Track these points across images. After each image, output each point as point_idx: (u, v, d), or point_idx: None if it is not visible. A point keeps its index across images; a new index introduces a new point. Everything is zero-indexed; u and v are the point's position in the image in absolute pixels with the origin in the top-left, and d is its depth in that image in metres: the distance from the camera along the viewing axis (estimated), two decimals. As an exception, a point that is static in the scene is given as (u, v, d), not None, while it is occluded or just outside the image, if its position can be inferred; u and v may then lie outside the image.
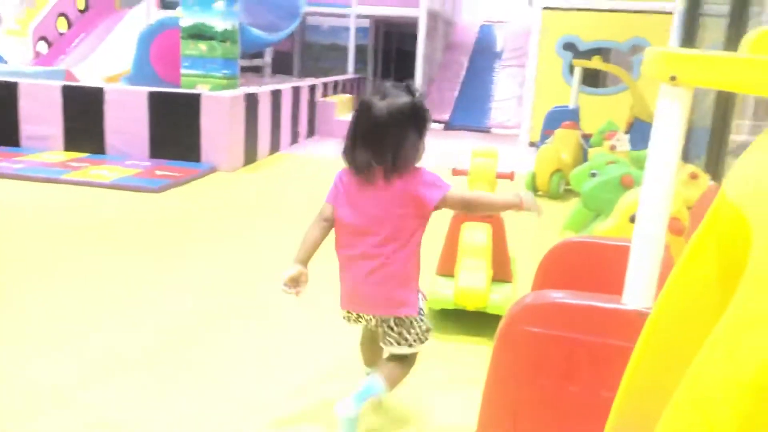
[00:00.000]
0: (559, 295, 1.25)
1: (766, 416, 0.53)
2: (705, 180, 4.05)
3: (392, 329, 1.85)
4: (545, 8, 8.17)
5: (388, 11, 11.17)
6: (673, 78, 1.10)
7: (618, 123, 6.07)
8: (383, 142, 1.73)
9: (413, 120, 1.78)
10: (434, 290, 2.70)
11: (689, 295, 0.95)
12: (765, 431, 0.53)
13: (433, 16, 10.92)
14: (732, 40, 5.02)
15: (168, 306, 2.92)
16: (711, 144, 4.83)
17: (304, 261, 1.86)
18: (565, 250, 1.62)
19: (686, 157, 5.62)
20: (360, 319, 1.92)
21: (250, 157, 6.37)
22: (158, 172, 5.45)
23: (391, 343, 1.86)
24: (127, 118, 5.99)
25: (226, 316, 2.86)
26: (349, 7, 11.12)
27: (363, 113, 1.76)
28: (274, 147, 7.04)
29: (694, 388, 0.66)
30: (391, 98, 1.75)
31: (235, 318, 2.84)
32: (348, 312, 1.92)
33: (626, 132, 6.00)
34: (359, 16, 11.38)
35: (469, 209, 2.01)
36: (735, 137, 5.31)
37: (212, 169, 5.82)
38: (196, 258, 3.60)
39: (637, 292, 1.18)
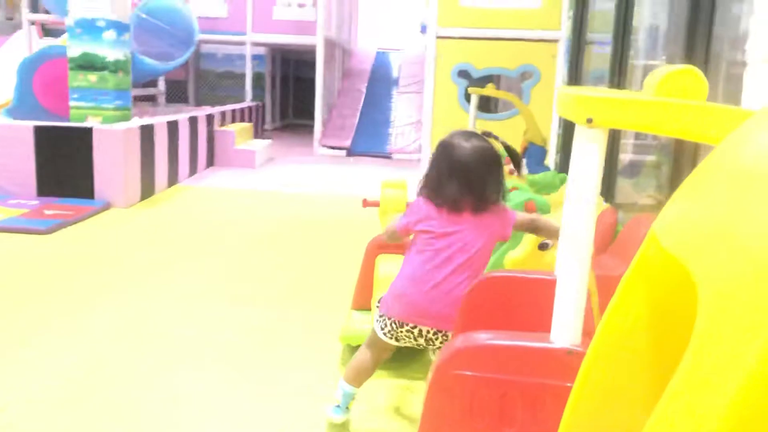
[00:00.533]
0: (487, 337, 1.25)
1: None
2: (599, 202, 4.24)
3: (423, 341, 1.96)
4: (439, 37, 8.40)
5: (284, 39, 11.16)
6: (589, 120, 1.13)
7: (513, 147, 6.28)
8: (487, 179, 1.95)
9: (496, 160, 1.99)
10: (350, 326, 2.67)
11: (620, 336, 0.97)
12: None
13: (330, 44, 10.99)
14: (615, 68, 5.33)
15: (61, 357, 2.72)
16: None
17: None
18: (488, 286, 1.63)
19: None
20: (409, 334, 1.94)
21: (147, 191, 6.13)
22: (47, 212, 5.12)
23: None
24: (10, 155, 5.61)
25: (127, 366, 2.70)
26: (244, 35, 11.02)
27: (451, 154, 1.96)
28: (172, 179, 6.81)
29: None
30: (477, 141, 1.97)
31: (138, 367, 2.69)
32: (399, 324, 1.95)
33: (522, 156, 6.22)
34: (255, 44, 11.29)
35: (536, 231, 2.15)
36: (621, 156, 5.61)
37: (106, 206, 5.54)
38: (92, 304, 3.38)
39: (564, 330, 1.19)
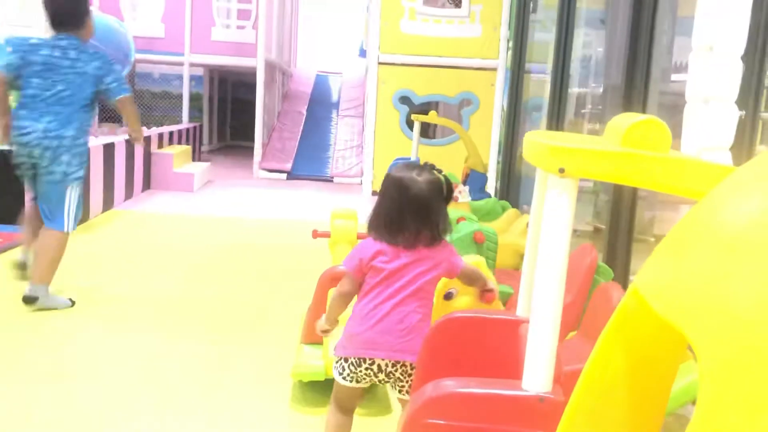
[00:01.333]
0: (459, 384, 1.24)
1: None
2: (519, 214, 4.32)
3: (408, 375, 1.91)
4: (381, 63, 8.46)
5: (223, 60, 11.04)
6: (561, 170, 1.15)
7: (454, 174, 6.37)
8: (434, 216, 1.94)
9: (446, 194, 1.99)
10: (302, 361, 2.61)
11: (600, 389, 0.98)
12: None
13: (270, 66, 10.93)
14: (554, 97, 5.48)
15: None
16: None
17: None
18: (450, 326, 1.62)
19: (518, 204, 6.00)
20: (368, 371, 1.92)
21: (82, 216, 5.89)
22: (-27, 238, 4.87)
23: (402, 390, 1.95)
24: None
25: (57, 412, 2.56)
26: (182, 55, 10.84)
27: (407, 190, 1.93)
28: (108, 204, 6.59)
29: None
30: (428, 175, 1.96)
31: (68, 413, 2.55)
32: (357, 364, 1.92)
33: (463, 182, 6.30)
34: (193, 65, 11.13)
35: (470, 282, 2.14)
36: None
37: (38, 232, 5.30)
38: (20, 341, 3.21)
39: (535, 377, 1.20)
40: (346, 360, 1.94)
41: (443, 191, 1.98)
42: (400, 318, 1.90)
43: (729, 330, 0.65)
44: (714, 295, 0.70)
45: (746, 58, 2.44)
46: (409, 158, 6.49)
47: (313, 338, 2.74)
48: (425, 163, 2.06)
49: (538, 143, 1.20)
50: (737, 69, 2.42)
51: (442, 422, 1.20)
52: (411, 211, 1.93)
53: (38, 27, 5.70)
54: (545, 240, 1.18)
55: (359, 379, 1.93)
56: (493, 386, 1.22)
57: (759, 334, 0.60)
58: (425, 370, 1.58)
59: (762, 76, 2.65)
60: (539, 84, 6.75)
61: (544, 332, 1.18)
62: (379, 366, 1.91)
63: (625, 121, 1.26)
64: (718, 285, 0.71)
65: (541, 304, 1.18)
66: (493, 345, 1.56)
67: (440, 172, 2.04)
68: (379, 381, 1.94)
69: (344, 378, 1.94)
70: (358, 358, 1.91)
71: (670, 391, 0.97)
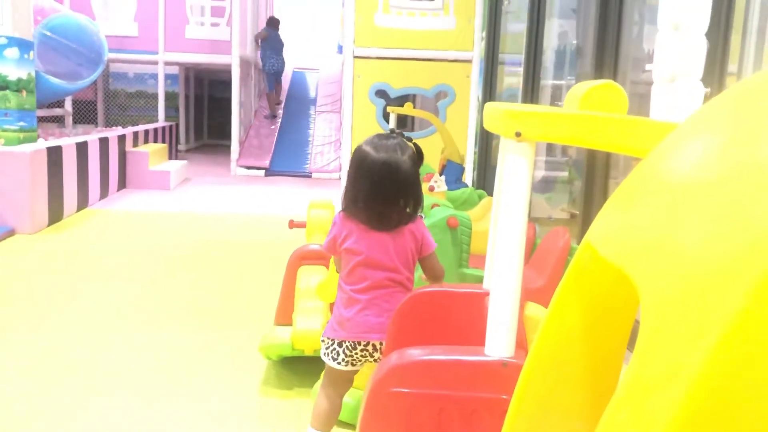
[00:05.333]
0: (422, 353, 1.24)
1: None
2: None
3: (378, 355, 1.89)
4: (356, 57, 8.45)
5: (198, 58, 10.96)
6: (518, 134, 1.15)
7: (431, 164, 6.37)
8: (408, 191, 1.88)
9: (415, 171, 1.92)
10: (270, 336, 2.60)
11: (557, 346, 0.98)
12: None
13: (245, 63, 10.87)
14: (527, 87, 5.51)
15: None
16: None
17: None
18: (418, 301, 1.62)
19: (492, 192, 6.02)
20: (364, 352, 1.88)
21: (55, 216, 5.83)
22: (-56, 239, 4.79)
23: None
24: None
25: (38, 403, 2.53)
26: (156, 54, 10.75)
27: (389, 169, 1.85)
28: (82, 203, 6.52)
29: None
30: (403, 150, 1.88)
31: (50, 404, 2.53)
32: (352, 347, 1.89)
33: (440, 173, 6.31)
34: (168, 63, 11.04)
35: (432, 272, 2.02)
36: (535, 173, 5.79)
37: (10, 233, 5.23)
38: (-1, 335, 3.17)
39: (497, 343, 1.20)
40: (340, 344, 1.89)
41: (412, 170, 1.90)
42: (387, 298, 1.86)
43: (672, 266, 0.66)
44: (658, 236, 0.70)
45: (710, 35, 2.46)
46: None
47: (284, 320, 2.73)
48: (392, 131, 2.02)
49: (495, 109, 1.20)
50: (702, 46, 2.45)
51: (406, 390, 1.20)
52: (383, 185, 1.85)
53: (6, 24, 5.61)
54: (503, 205, 1.18)
55: (355, 361, 1.89)
56: (456, 353, 1.22)
57: (699, 267, 0.61)
58: (395, 343, 1.58)
59: (726, 53, 2.68)
60: (515, 75, 6.78)
61: (505, 297, 1.18)
62: (374, 345, 1.87)
63: (583, 86, 1.27)
64: (662, 226, 0.71)
65: (501, 270, 1.18)
66: (461, 318, 1.57)
67: (410, 140, 1.95)
68: (374, 360, 1.89)
69: (339, 363, 1.89)
70: (353, 342, 1.88)
71: (626, 345, 0.98)
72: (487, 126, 1.28)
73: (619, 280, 0.82)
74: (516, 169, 1.16)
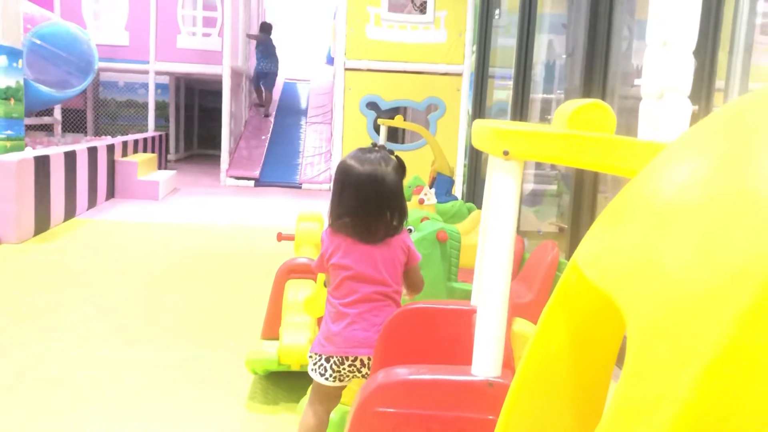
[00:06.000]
0: (408, 372, 1.22)
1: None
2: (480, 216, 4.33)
3: (366, 370, 1.88)
4: (347, 69, 8.47)
5: (189, 68, 10.94)
6: (506, 153, 1.14)
7: (421, 177, 6.38)
8: (394, 203, 1.88)
9: (400, 185, 1.94)
10: (255, 352, 2.58)
11: (544, 367, 0.97)
12: None
13: (236, 74, 10.86)
14: (517, 101, 5.53)
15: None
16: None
17: None
18: (406, 317, 1.61)
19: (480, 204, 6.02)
20: (352, 368, 1.86)
21: (42, 225, 5.79)
22: (-73, 249, 4.74)
23: None
24: None
25: (21, 419, 2.50)
26: (147, 63, 10.73)
27: (374, 182, 1.86)
28: (69, 213, 6.47)
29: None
30: (387, 163, 1.89)
31: (34, 420, 2.49)
32: (340, 362, 1.87)
33: (430, 186, 6.32)
34: (158, 73, 11.02)
35: (413, 284, 2.01)
36: (523, 186, 5.80)
37: (-4, 242, 5.19)
38: (-18, 347, 3.13)
39: (484, 362, 1.19)
40: (327, 360, 1.87)
41: (397, 183, 1.91)
42: (376, 313, 1.85)
43: (658, 291, 0.65)
44: (644, 260, 0.70)
45: (698, 53, 2.48)
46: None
47: (271, 334, 2.71)
48: (373, 145, 2.02)
49: (484, 127, 1.20)
50: (689, 64, 2.46)
51: (392, 410, 1.19)
52: (368, 197, 1.85)
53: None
54: (491, 224, 1.17)
55: (342, 377, 1.87)
56: (442, 372, 1.21)
57: (686, 292, 0.60)
58: (382, 360, 1.57)
59: (713, 71, 2.70)
60: (505, 89, 6.81)
61: (491, 317, 1.17)
62: (362, 361, 1.85)
63: (570, 105, 1.27)
64: (647, 249, 0.71)
65: (488, 289, 1.17)
66: (449, 335, 1.56)
67: (391, 152, 1.98)
68: (362, 375, 1.88)
69: (326, 378, 1.87)
70: (341, 357, 1.86)
71: (614, 363, 0.98)
72: (475, 144, 1.28)
73: (605, 301, 0.82)
74: (504, 187, 1.16)
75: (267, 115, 12.02)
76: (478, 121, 1.31)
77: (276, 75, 11.92)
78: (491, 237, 1.17)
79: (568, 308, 0.94)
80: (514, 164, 1.16)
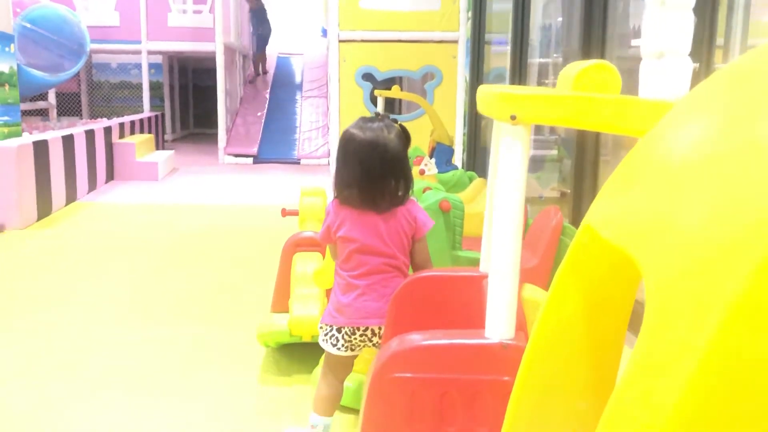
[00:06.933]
0: (423, 337, 1.24)
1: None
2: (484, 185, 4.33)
3: (377, 339, 1.89)
4: (341, 41, 8.40)
5: (181, 46, 10.85)
6: (513, 117, 1.15)
7: (421, 147, 6.36)
8: (399, 170, 1.87)
9: (403, 153, 1.91)
10: (268, 325, 2.61)
11: (558, 328, 0.99)
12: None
13: (229, 50, 10.77)
14: (515, 66, 5.50)
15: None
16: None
17: None
18: (416, 285, 1.63)
19: (485, 175, 6.03)
20: (363, 337, 1.88)
21: (44, 210, 5.79)
22: (-68, 238, 4.75)
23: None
24: None
25: (33, 403, 2.53)
26: (139, 43, 10.64)
27: (377, 148, 1.84)
28: (71, 197, 6.48)
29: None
30: (389, 130, 1.87)
31: (45, 404, 2.52)
32: (351, 332, 1.89)
33: (430, 156, 6.30)
34: (151, 52, 10.92)
35: (419, 263, 1.98)
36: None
37: (0, 228, 5.20)
38: (-6, 333, 3.16)
39: (498, 325, 1.21)
40: (339, 330, 1.89)
41: (401, 151, 1.89)
42: (385, 284, 1.86)
43: (675, 246, 0.66)
44: (661, 217, 0.71)
45: (697, 10, 2.46)
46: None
47: (281, 307, 2.74)
48: (376, 114, 1.97)
49: (489, 93, 1.20)
50: (689, 21, 2.44)
51: (408, 375, 1.21)
52: (372, 164, 1.84)
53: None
54: (500, 189, 1.18)
55: (354, 346, 1.90)
56: (456, 337, 1.23)
57: (702, 247, 0.61)
58: (393, 328, 1.59)
59: (714, 28, 2.68)
60: (502, 54, 6.76)
61: (503, 280, 1.19)
62: (372, 330, 1.88)
63: (575, 67, 1.27)
64: (664, 207, 0.72)
65: (499, 253, 1.18)
66: (460, 301, 1.58)
67: (395, 122, 1.93)
68: (373, 345, 1.90)
69: (338, 348, 1.90)
70: (352, 327, 1.88)
71: (627, 326, 0.99)
72: (480, 110, 1.28)
73: (619, 262, 0.83)
74: (511, 152, 1.16)
75: (265, 72, 12.33)
76: (483, 87, 1.31)
77: (269, 38, 12.20)
78: (500, 202, 1.18)
79: (581, 270, 0.96)
80: (521, 129, 1.16)
